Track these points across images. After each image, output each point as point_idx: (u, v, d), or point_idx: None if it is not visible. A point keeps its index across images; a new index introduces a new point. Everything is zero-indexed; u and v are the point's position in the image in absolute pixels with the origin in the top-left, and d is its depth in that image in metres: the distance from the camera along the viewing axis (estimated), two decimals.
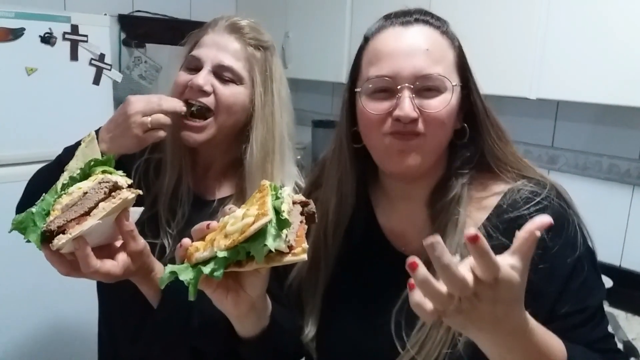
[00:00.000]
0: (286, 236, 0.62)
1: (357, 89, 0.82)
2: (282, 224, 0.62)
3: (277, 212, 0.63)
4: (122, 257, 0.79)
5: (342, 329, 0.88)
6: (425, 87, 0.77)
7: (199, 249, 0.65)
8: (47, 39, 1.93)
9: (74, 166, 0.80)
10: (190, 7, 2.93)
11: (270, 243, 0.60)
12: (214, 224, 0.68)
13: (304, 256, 0.63)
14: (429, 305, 0.55)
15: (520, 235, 0.57)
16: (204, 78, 0.97)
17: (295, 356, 0.96)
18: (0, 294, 1.88)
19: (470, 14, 1.95)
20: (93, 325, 1.18)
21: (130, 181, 0.77)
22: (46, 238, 0.71)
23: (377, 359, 0.81)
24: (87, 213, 0.72)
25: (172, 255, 0.99)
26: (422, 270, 0.53)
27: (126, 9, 2.74)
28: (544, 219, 0.57)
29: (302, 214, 0.70)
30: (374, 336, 0.83)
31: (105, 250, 0.78)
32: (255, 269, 0.66)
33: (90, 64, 2.04)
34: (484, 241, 0.52)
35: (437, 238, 0.52)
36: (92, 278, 0.77)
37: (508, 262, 0.56)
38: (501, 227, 0.78)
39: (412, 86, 0.76)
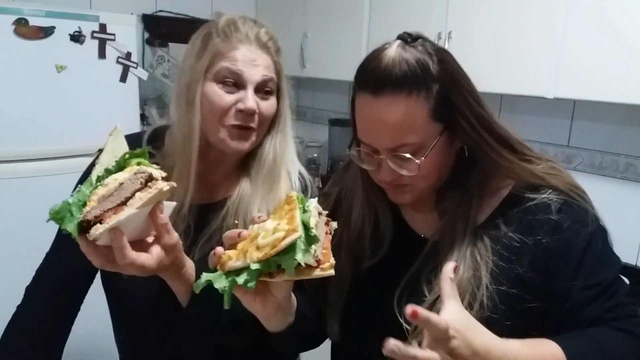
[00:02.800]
0: (314, 251, 0.66)
1: (353, 149, 0.89)
2: (311, 239, 0.66)
3: (306, 227, 0.67)
4: (156, 250, 0.78)
5: (365, 309, 0.92)
6: (402, 155, 0.81)
7: (231, 258, 0.69)
8: (77, 38, 1.98)
9: (105, 159, 0.79)
10: (211, 7, 2.99)
11: (300, 258, 0.65)
12: (244, 233, 0.72)
13: (332, 272, 0.67)
14: None
15: (441, 284, 0.71)
16: (252, 100, 0.95)
17: (317, 339, 1.00)
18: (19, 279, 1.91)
19: (488, 14, 1.97)
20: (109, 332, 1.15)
21: (164, 174, 0.77)
22: (83, 228, 0.71)
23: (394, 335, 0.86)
24: (124, 203, 0.72)
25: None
26: (421, 313, 0.63)
27: (149, 8, 2.81)
28: (449, 265, 0.72)
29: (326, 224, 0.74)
30: (389, 303, 0.88)
31: (138, 246, 0.77)
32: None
33: (117, 62, 2.10)
34: (422, 313, 0.63)
35: (390, 345, 0.63)
36: (126, 271, 0.77)
37: (452, 309, 0.68)
38: (508, 219, 0.86)
39: (388, 156, 0.82)
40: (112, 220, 0.70)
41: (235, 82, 0.96)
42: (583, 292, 0.81)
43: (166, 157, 1.01)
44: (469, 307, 0.80)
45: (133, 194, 0.73)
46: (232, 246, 0.73)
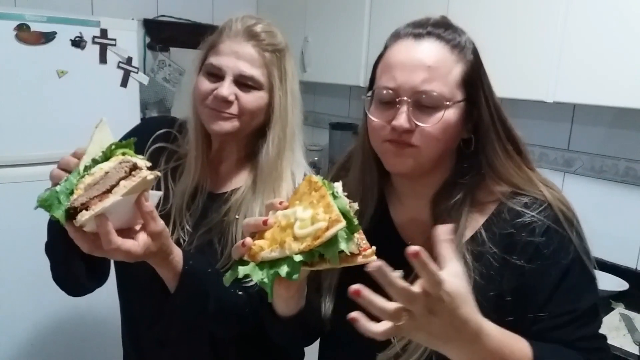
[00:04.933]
0: (357, 239, 0.66)
1: (367, 96, 0.89)
2: (353, 228, 0.66)
3: (345, 215, 0.67)
4: (142, 237, 0.82)
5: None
6: (423, 102, 0.82)
7: (263, 249, 0.69)
8: (78, 43, 1.99)
9: (92, 150, 0.83)
10: (212, 12, 3.01)
11: (345, 247, 0.65)
12: (270, 220, 0.72)
13: (374, 257, 0.66)
14: (375, 327, 0.61)
15: (440, 248, 0.64)
16: (227, 89, 1.00)
17: (315, 333, 1.02)
18: (21, 281, 1.93)
19: (488, 18, 1.98)
20: (116, 309, 1.22)
21: (149, 164, 0.80)
22: (70, 215, 0.75)
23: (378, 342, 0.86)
24: (109, 191, 0.76)
25: (188, 247, 1.05)
26: (365, 293, 0.60)
27: (151, 13, 2.83)
28: (445, 228, 0.66)
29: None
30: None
31: (126, 233, 0.81)
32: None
33: (118, 67, 2.10)
34: (423, 255, 0.58)
35: (378, 264, 0.58)
36: (113, 256, 0.80)
37: (451, 271, 0.63)
38: (493, 237, 0.84)
39: (409, 100, 0.81)
40: (97, 207, 0.74)
41: (217, 74, 1.02)
42: (552, 319, 0.80)
43: (182, 146, 1.11)
44: None
45: (118, 182, 0.76)
46: (256, 234, 0.72)
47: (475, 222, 0.86)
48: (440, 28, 0.85)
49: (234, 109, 1.02)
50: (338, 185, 0.72)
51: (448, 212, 0.86)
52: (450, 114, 0.82)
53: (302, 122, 1.13)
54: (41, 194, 0.76)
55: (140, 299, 1.09)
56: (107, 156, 0.80)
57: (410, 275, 0.85)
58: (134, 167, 0.78)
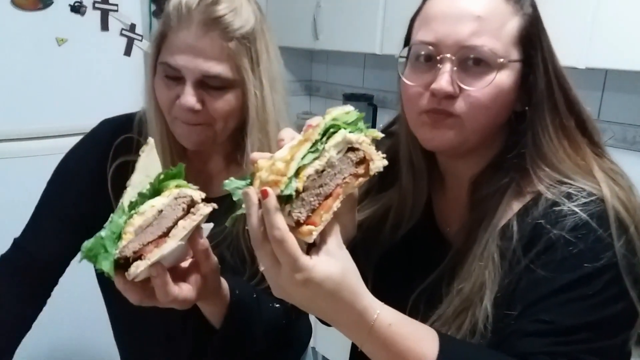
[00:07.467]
0: (288, 212, 0.58)
1: (401, 55, 0.76)
2: (286, 198, 0.58)
3: (295, 175, 0.58)
4: (195, 279, 0.73)
5: (385, 294, 0.85)
6: (471, 61, 0.70)
7: (260, 170, 0.61)
8: (77, 8, 1.93)
9: (137, 180, 0.71)
10: None
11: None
12: (285, 141, 0.62)
13: (309, 238, 0.58)
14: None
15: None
16: (191, 96, 0.85)
17: None
18: None
19: None
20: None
21: (203, 195, 0.69)
22: (119, 265, 0.65)
23: None
24: (166, 234, 0.66)
25: None
26: (272, 197, 0.57)
27: None
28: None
29: (361, 162, 0.62)
30: (403, 308, 0.78)
31: (172, 273, 0.70)
32: None
33: (121, 34, 2.04)
34: (270, 202, 0.56)
35: (246, 190, 0.58)
36: (166, 306, 0.71)
37: (328, 252, 0.59)
38: (521, 229, 0.72)
39: (453, 58, 0.69)
40: (154, 256, 0.64)
41: (176, 77, 0.87)
42: (533, 324, 0.65)
43: None
44: (471, 333, 0.69)
45: (175, 223, 0.66)
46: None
47: (510, 211, 0.74)
48: None
49: (203, 117, 0.88)
50: (338, 137, 0.61)
51: (489, 199, 0.75)
52: (502, 77, 0.70)
53: (287, 94, 0.97)
54: (86, 242, 0.66)
55: (169, 339, 1.01)
56: (155, 189, 0.69)
57: (439, 263, 0.77)
58: (192, 203, 0.67)
